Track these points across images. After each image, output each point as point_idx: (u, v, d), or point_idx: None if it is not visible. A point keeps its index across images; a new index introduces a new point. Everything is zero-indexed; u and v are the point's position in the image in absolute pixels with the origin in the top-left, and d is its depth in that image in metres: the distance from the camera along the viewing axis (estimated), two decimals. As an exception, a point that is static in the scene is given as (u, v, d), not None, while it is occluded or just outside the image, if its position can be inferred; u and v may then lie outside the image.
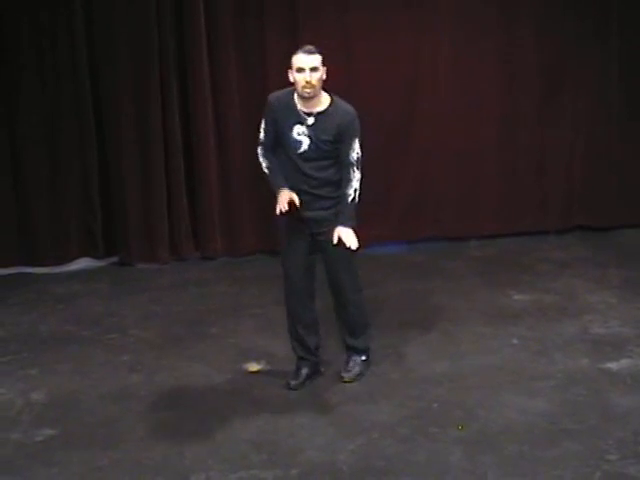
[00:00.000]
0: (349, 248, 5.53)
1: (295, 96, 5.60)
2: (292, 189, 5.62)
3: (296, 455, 5.02)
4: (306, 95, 5.50)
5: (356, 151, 5.60)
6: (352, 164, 5.59)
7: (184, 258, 9.01)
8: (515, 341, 6.58)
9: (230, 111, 8.83)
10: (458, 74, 9.06)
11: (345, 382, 5.95)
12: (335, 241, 5.56)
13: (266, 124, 5.69)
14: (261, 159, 5.75)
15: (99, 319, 7.38)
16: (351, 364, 6.05)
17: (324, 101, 5.59)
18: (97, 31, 8.52)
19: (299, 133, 5.58)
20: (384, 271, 8.25)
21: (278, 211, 5.59)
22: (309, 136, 5.56)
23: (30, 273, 8.68)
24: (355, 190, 5.60)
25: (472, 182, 9.27)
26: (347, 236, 5.53)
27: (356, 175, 5.59)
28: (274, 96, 5.69)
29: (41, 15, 8.39)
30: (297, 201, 5.58)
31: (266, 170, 5.74)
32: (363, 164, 5.72)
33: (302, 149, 5.59)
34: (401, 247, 9.12)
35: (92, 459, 5.04)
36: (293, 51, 8.75)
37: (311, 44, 5.62)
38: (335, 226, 5.58)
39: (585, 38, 9.13)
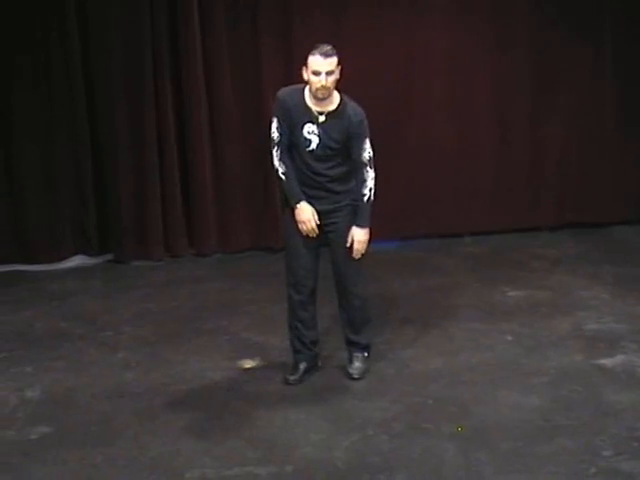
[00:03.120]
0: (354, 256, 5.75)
1: (306, 94, 5.60)
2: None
3: (291, 452, 5.02)
4: (320, 96, 5.52)
5: (367, 151, 5.65)
6: (365, 164, 5.64)
7: (178, 255, 9.01)
8: (509, 337, 6.59)
9: (224, 110, 8.83)
10: (451, 72, 9.08)
11: (354, 379, 5.95)
12: (348, 244, 5.72)
13: (279, 122, 5.63)
14: (277, 163, 5.66)
15: (93, 317, 7.37)
16: (356, 361, 6.04)
17: (335, 100, 5.60)
18: (92, 33, 8.51)
19: (309, 132, 5.59)
20: (378, 268, 8.22)
21: (305, 232, 5.67)
22: (318, 135, 5.57)
23: (24, 271, 8.67)
24: (370, 189, 5.66)
25: (465, 179, 9.29)
26: (359, 243, 5.73)
27: (370, 174, 5.66)
28: (285, 93, 5.66)
29: (35, 18, 8.38)
30: (316, 218, 5.66)
31: (282, 176, 5.66)
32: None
33: (311, 147, 5.60)
34: (394, 244, 9.12)
35: (86, 456, 5.03)
36: (287, 53, 8.81)
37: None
38: (350, 226, 5.73)
39: (578, 35, 9.14)
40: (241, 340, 6.74)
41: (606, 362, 6.07)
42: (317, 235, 5.71)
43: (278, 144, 5.64)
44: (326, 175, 5.65)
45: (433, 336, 6.69)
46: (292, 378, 5.92)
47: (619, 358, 6.13)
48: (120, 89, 8.63)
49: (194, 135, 8.80)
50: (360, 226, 5.71)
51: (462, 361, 6.20)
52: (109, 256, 8.99)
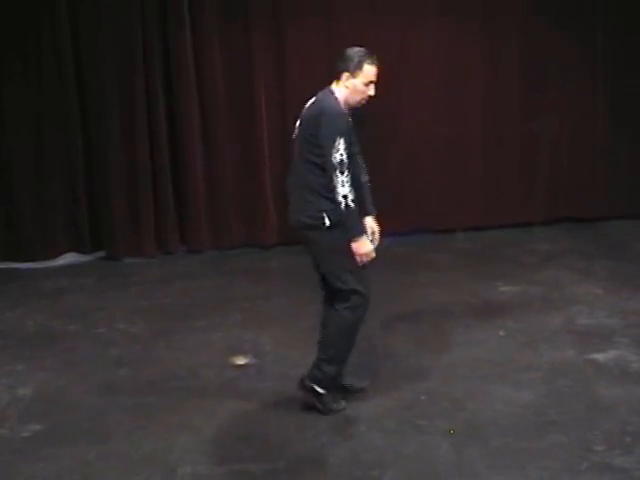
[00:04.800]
0: None
1: (340, 100, 5.23)
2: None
3: (284, 448, 5.01)
4: (359, 105, 5.29)
5: None
6: None
7: (171, 252, 9.01)
8: (502, 333, 6.59)
9: (216, 107, 8.83)
10: (442, 68, 9.08)
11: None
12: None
13: (346, 142, 5.04)
14: (347, 190, 5.03)
15: (86, 314, 7.36)
16: None
17: None
18: (83, 32, 8.53)
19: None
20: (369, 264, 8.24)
21: (362, 262, 5.27)
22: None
23: (17, 269, 8.67)
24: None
25: (457, 174, 9.29)
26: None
27: None
28: (340, 107, 5.15)
29: (27, 16, 8.36)
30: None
31: (352, 204, 5.06)
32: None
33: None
34: (386, 240, 9.08)
35: (79, 453, 5.03)
36: (278, 50, 8.78)
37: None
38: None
39: (570, 33, 9.15)
40: (234, 337, 6.73)
41: (599, 357, 6.07)
42: None
43: (349, 168, 5.03)
44: None
45: (426, 332, 6.69)
46: (344, 403, 5.47)
47: (611, 353, 6.13)
48: (111, 86, 8.63)
49: (186, 132, 8.80)
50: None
51: (455, 357, 6.20)
52: (101, 253, 8.99)
